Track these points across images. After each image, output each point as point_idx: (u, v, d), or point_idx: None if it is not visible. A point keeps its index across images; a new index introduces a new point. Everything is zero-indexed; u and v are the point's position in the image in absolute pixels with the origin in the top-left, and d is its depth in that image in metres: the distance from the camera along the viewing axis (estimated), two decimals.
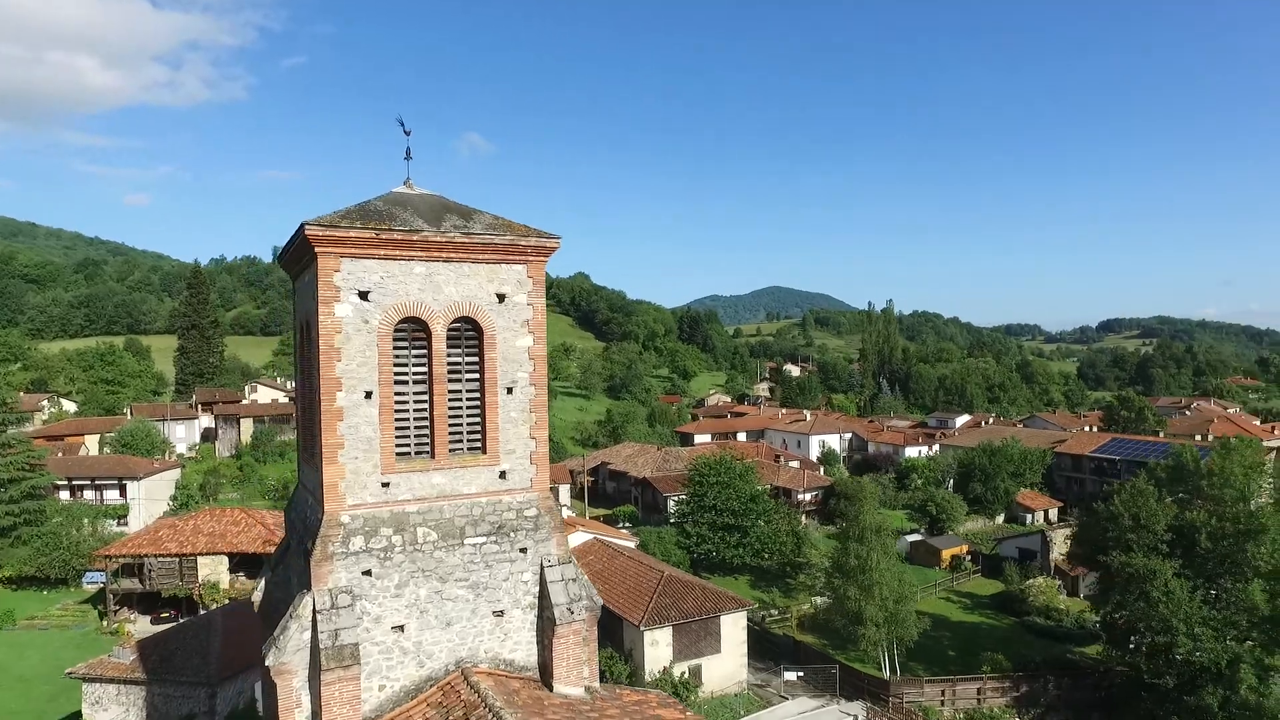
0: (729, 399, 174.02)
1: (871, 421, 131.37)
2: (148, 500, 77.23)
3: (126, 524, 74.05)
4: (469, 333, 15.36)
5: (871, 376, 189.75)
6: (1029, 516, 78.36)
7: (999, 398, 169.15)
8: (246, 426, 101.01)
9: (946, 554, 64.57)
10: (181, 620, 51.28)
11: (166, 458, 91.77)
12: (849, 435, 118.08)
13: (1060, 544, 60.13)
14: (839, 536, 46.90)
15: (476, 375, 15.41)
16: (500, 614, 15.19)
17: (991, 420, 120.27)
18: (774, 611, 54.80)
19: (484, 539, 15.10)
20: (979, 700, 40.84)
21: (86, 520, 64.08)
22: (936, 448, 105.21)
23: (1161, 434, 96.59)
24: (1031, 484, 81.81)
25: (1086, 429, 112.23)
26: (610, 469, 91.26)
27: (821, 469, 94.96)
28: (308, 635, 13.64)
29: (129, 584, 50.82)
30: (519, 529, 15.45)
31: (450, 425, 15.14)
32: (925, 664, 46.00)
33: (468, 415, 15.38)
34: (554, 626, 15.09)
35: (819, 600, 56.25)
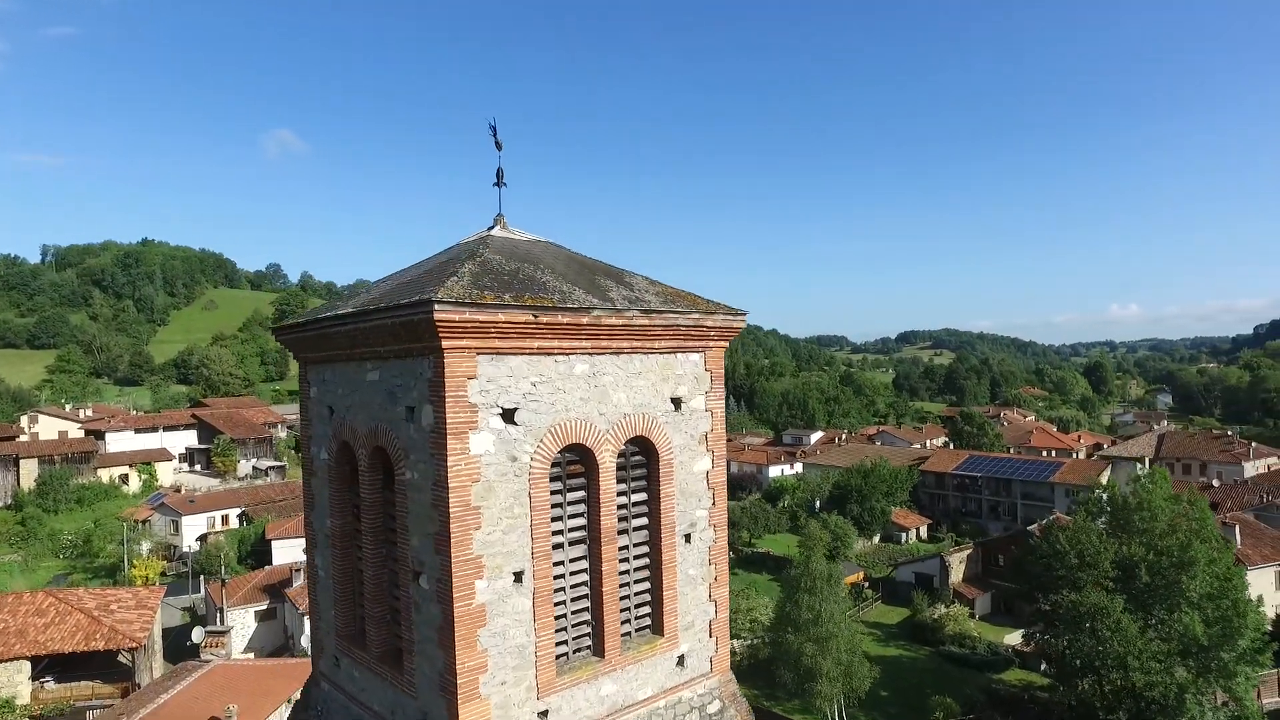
0: None
1: (730, 440, 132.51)
2: None
3: None
4: (635, 458, 10.33)
5: None
6: (904, 535, 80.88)
7: (834, 411, 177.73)
8: (28, 468, 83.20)
9: (847, 582, 64.29)
10: None
11: None
12: None
13: (957, 567, 61.60)
14: (786, 587, 44.30)
15: (645, 521, 10.41)
16: None
17: (844, 436, 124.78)
18: None
19: None
20: None
21: None
22: (799, 466, 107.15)
23: (1012, 450, 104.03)
24: (901, 502, 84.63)
25: (929, 442, 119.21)
26: None
27: None
28: None
29: None
30: None
31: (620, 602, 10.06)
32: (864, 709, 44.45)
33: (635, 581, 10.35)
34: None
35: (736, 644, 53.71)
